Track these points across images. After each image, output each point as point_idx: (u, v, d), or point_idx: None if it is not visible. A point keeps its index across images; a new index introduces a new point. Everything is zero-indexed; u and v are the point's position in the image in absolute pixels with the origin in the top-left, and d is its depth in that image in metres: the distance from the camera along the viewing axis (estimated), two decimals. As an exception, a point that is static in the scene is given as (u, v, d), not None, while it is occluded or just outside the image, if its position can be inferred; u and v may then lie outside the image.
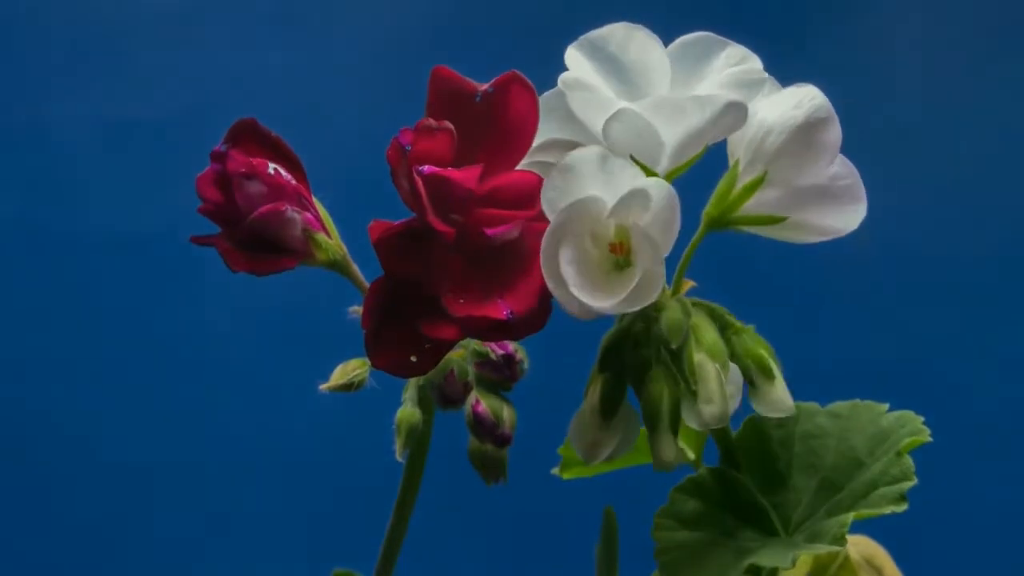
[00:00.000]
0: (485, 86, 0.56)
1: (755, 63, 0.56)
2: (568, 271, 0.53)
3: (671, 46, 0.57)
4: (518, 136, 0.56)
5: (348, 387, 0.61)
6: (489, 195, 0.55)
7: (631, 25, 0.57)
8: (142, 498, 1.34)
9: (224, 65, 1.38)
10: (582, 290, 0.53)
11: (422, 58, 1.35)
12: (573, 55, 0.57)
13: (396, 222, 0.55)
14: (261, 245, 0.58)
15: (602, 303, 0.53)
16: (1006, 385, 1.32)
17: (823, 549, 0.57)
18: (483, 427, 0.62)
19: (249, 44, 1.40)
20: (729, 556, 0.58)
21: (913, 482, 0.58)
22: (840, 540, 0.57)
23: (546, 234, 0.53)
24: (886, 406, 0.62)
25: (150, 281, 1.36)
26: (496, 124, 0.56)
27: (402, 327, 0.55)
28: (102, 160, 1.38)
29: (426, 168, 0.54)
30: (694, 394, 0.55)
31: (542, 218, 0.54)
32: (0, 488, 1.35)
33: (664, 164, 0.55)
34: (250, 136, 0.60)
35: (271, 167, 0.59)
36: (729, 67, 0.56)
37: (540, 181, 0.55)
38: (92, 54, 1.39)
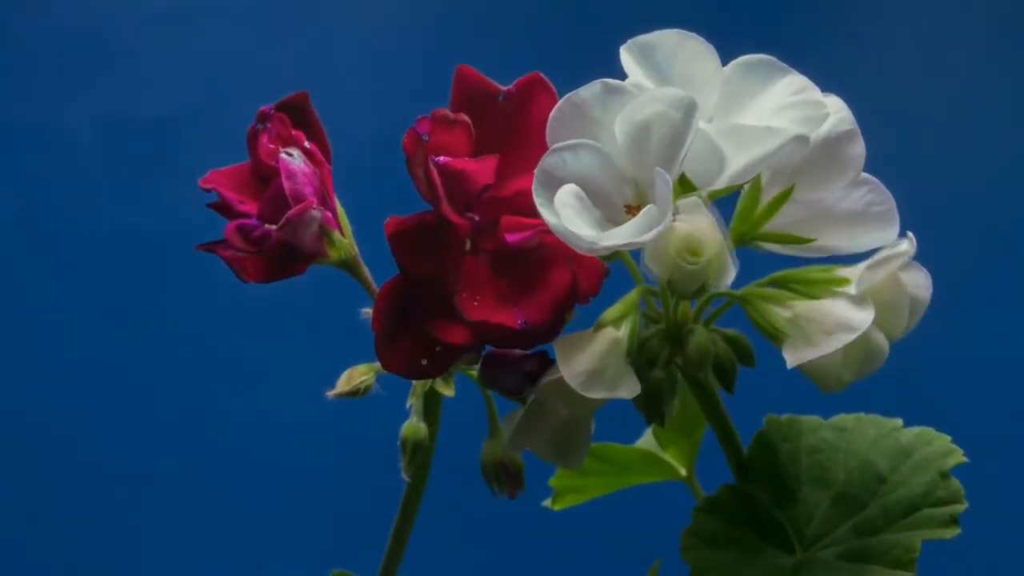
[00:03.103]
0: (508, 87, 0.56)
1: (815, 93, 0.55)
2: (566, 212, 0.51)
3: (732, 63, 0.55)
4: (540, 137, 0.55)
5: (354, 393, 0.60)
6: (512, 198, 0.55)
7: (684, 33, 0.55)
8: (142, 498, 1.34)
9: (224, 65, 1.38)
10: (587, 227, 0.51)
11: (427, 54, 1.36)
12: (625, 58, 0.55)
13: (410, 215, 0.54)
14: (277, 250, 0.57)
15: (612, 240, 0.51)
16: (998, 389, 1.32)
17: (888, 574, 0.56)
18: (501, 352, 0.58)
19: (250, 43, 1.39)
20: (768, 574, 0.57)
21: (964, 506, 0.57)
22: (908, 565, 0.56)
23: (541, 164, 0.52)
24: (898, 421, 0.62)
25: (150, 281, 1.35)
26: (518, 125, 0.56)
27: (413, 330, 0.54)
28: (102, 160, 1.37)
29: (441, 158, 0.53)
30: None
31: None
32: (0, 488, 1.34)
33: (719, 184, 0.53)
34: (295, 112, 0.59)
35: (307, 143, 0.58)
36: (789, 95, 0.54)
37: None
38: (92, 53, 1.38)
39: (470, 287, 0.54)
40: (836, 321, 0.52)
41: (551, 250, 0.54)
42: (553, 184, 0.52)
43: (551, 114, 0.53)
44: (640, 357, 0.55)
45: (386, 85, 1.34)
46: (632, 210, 0.52)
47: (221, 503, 1.33)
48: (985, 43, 1.40)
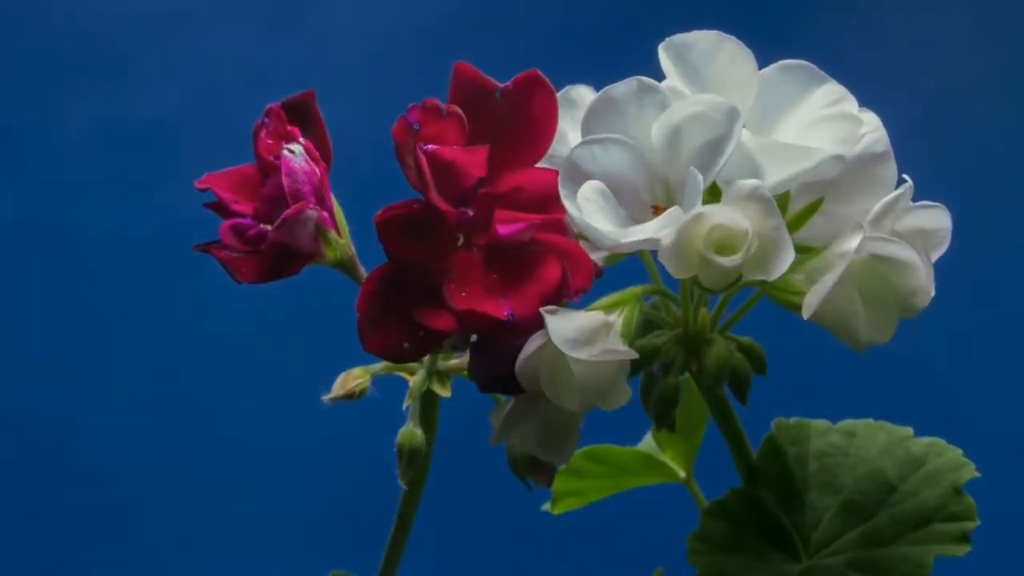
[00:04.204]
0: (505, 84, 0.56)
1: (852, 106, 0.54)
2: (589, 207, 0.51)
3: (770, 67, 0.55)
4: (537, 135, 0.55)
5: (350, 397, 0.60)
6: (508, 195, 0.54)
7: (722, 35, 0.54)
8: (142, 498, 1.33)
9: (224, 65, 1.37)
10: (609, 223, 0.50)
11: (425, 55, 1.35)
12: (662, 56, 0.54)
13: (398, 203, 0.54)
14: (273, 250, 0.56)
15: (633, 236, 0.50)
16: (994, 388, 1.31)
17: None
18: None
19: (250, 43, 1.39)
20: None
21: (976, 523, 0.57)
22: None
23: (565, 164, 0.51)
24: (909, 430, 0.61)
25: (150, 281, 1.35)
26: (515, 122, 0.55)
27: (398, 314, 0.53)
28: (102, 160, 1.37)
29: (430, 146, 0.53)
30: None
31: (559, 227, 0.53)
32: (0, 487, 1.34)
33: None
34: (299, 111, 0.59)
35: (301, 139, 0.58)
36: (825, 105, 0.54)
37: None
38: (92, 54, 1.38)
39: (459, 279, 0.53)
40: (834, 255, 0.51)
41: (543, 246, 0.53)
42: (579, 177, 0.51)
43: (586, 108, 0.53)
44: (656, 362, 0.54)
45: (386, 85, 1.34)
46: (659, 211, 0.52)
47: (220, 504, 1.33)
48: (985, 40, 1.40)
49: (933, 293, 0.53)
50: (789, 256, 0.49)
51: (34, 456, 1.34)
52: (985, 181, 1.34)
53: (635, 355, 0.52)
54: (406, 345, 0.53)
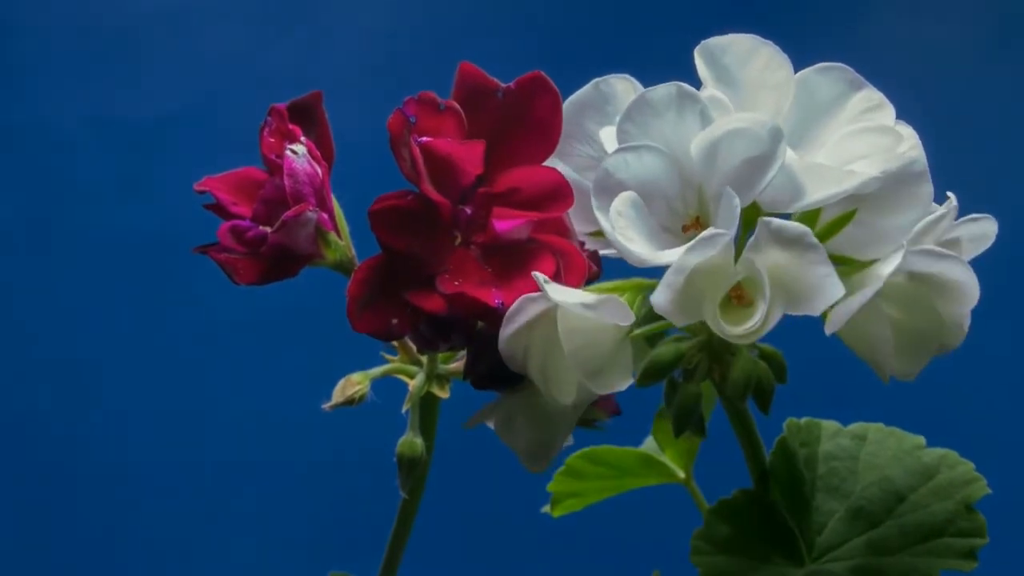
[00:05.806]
0: (508, 84, 0.55)
1: (889, 116, 0.53)
2: (620, 222, 0.50)
3: (807, 71, 0.54)
4: (540, 136, 0.55)
5: (350, 403, 0.59)
6: (507, 193, 0.54)
7: (758, 40, 0.53)
8: (142, 498, 1.33)
9: (224, 65, 1.37)
10: (641, 239, 0.50)
11: (425, 55, 1.35)
12: (697, 59, 0.54)
13: (393, 192, 0.54)
14: (272, 252, 0.56)
15: (664, 259, 0.49)
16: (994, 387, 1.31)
17: None
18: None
19: (250, 43, 1.39)
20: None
21: (986, 541, 0.56)
22: None
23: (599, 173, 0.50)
24: (921, 439, 0.60)
25: (149, 281, 1.35)
26: (517, 122, 0.55)
27: (388, 297, 0.54)
28: (103, 160, 1.37)
29: (424, 138, 0.53)
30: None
31: (557, 226, 0.53)
32: (0, 487, 1.34)
33: (786, 210, 0.52)
34: (306, 111, 0.58)
35: (302, 138, 0.57)
36: (863, 112, 0.53)
37: (562, 180, 0.54)
38: (92, 54, 1.37)
39: (454, 272, 0.53)
40: (872, 275, 0.50)
41: (539, 244, 0.54)
42: (612, 186, 0.50)
43: (623, 112, 0.52)
44: (679, 367, 0.53)
45: (386, 85, 1.33)
46: (687, 228, 0.51)
47: (219, 504, 1.33)
48: (983, 41, 1.39)
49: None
50: (838, 294, 0.49)
51: (34, 456, 1.33)
52: (987, 183, 1.34)
53: (632, 317, 0.51)
54: (395, 321, 0.54)
